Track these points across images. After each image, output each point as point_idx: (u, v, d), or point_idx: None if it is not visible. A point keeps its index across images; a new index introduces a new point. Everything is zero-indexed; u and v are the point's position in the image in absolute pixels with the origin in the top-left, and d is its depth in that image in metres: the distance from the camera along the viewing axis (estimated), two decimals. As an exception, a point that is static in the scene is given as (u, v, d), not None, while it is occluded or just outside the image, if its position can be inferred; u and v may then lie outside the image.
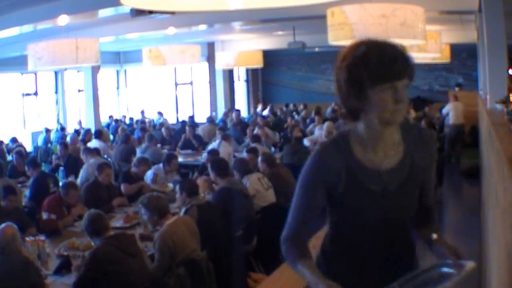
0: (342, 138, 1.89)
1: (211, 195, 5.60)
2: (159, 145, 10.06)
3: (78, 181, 6.95)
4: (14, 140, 11.02)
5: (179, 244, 4.08)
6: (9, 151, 9.95)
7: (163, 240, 4.06)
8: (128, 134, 9.97)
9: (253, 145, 8.43)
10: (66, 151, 8.74)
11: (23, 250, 3.83)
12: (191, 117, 14.47)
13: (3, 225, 3.71)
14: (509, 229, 1.87)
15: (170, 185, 6.41)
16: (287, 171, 6.75)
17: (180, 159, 8.61)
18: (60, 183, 6.53)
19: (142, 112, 15.76)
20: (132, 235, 3.94)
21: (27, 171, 7.06)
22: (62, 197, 5.31)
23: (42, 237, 4.26)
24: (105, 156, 9.04)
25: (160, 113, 15.32)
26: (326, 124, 10.14)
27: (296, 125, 10.82)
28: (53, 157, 9.38)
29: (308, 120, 13.11)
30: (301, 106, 16.93)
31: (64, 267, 3.90)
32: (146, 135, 9.58)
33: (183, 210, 4.83)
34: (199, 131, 11.64)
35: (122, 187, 6.35)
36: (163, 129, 11.79)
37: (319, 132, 10.18)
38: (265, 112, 16.13)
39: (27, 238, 4.15)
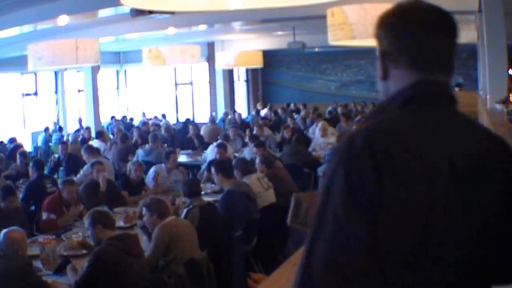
0: None
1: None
2: (165, 145, 9.95)
3: (77, 178, 6.94)
4: (11, 139, 10.98)
5: (177, 238, 4.09)
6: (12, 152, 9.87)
7: (162, 231, 4.10)
8: (125, 134, 9.91)
9: (251, 146, 8.40)
10: (66, 150, 8.72)
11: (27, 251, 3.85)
12: (188, 120, 14.46)
13: (12, 228, 3.72)
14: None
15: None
16: (286, 171, 6.74)
17: (180, 159, 8.58)
18: (60, 183, 6.50)
19: (144, 114, 15.74)
20: (135, 236, 3.95)
21: (31, 170, 6.96)
22: (61, 196, 5.30)
23: (52, 237, 4.28)
24: (105, 156, 9.02)
25: (163, 116, 15.28)
26: (321, 123, 10.08)
27: (287, 126, 10.70)
28: (52, 157, 9.34)
29: (308, 121, 13.10)
30: (301, 106, 16.92)
31: (64, 267, 3.89)
32: (150, 136, 9.44)
33: (185, 210, 4.83)
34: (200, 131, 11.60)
35: (126, 196, 6.28)
36: (162, 128, 11.73)
37: (319, 133, 10.15)
38: (263, 113, 16.11)
39: (40, 239, 4.17)
